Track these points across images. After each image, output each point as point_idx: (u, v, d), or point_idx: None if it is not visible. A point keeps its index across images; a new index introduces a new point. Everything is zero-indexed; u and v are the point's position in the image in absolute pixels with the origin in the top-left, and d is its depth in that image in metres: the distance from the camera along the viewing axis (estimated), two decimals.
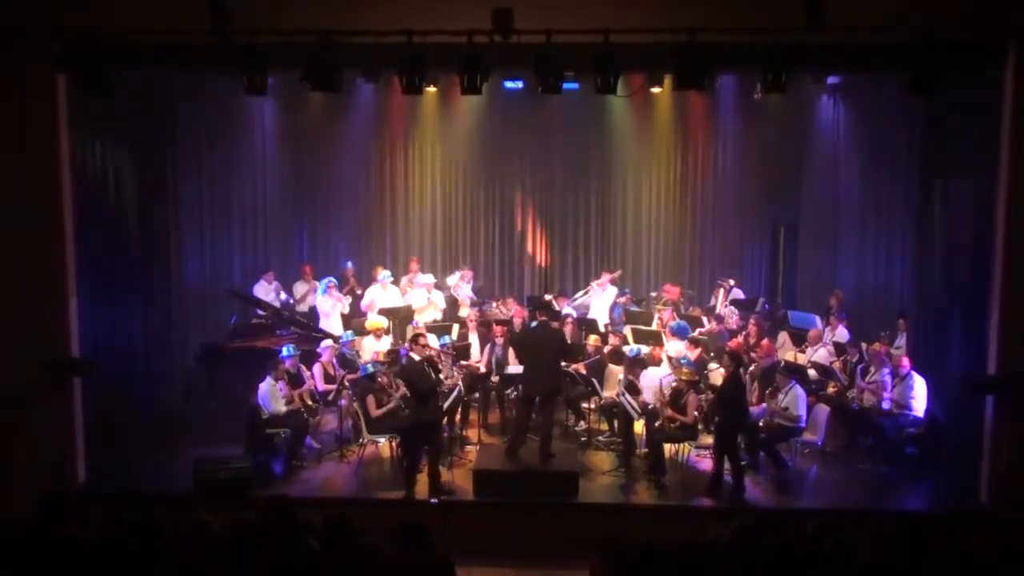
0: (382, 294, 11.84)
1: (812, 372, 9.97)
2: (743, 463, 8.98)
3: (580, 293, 12.52)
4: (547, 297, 12.15)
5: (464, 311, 11.92)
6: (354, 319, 11.68)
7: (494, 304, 12.59)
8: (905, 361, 9.14)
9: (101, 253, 9.32)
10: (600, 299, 12.12)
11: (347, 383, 9.70)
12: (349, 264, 12.63)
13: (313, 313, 11.96)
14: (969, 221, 8.84)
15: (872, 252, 12.00)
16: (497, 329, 10.39)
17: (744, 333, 10.85)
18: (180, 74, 9.92)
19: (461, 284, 12.40)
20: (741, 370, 8.87)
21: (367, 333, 10.70)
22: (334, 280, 11.85)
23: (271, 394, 8.98)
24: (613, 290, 12.27)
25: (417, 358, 8.52)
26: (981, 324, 8.37)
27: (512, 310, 12.13)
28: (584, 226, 14.07)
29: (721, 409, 8.60)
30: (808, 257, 13.25)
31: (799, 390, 8.83)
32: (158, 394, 10.35)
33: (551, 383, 8.98)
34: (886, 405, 9.18)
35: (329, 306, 11.65)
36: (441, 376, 8.86)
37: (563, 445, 9.45)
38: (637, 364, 9.68)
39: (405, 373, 8.67)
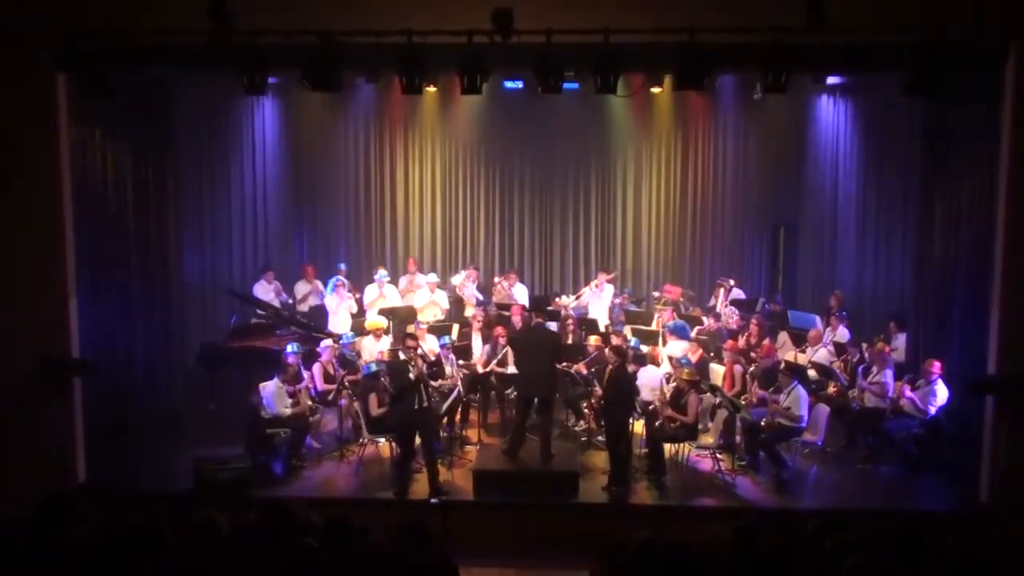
0: (379, 293, 11.84)
1: (812, 372, 9.97)
2: (745, 461, 9.04)
3: (572, 298, 12.42)
4: (558, 298, 12.18)
5: (469, 311, 11.91)
6: (354, 319, 11.68)
7: (496, 280, 12.57)
8: (936, 366, 8.97)
9: (101, 253, 9.32)
10: (598, 301, 12.10)
11: (347, 383, 9.70)
12: (342, 266, 12.64)
13: (314, 312, 11.96)
14: (969, 221, 8.84)
15: (872, 252, 12.00)
16: (497, 329, 10.39)
17: (746, 333, 10.86)
18: (180, 74, 9.91)
19: (467, 284, 12.39)
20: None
21: (367, 333, 10.71)
22: (342, 279, 11.87)
23: (277, 395, 8.98)
24: (610, 290, 12.25)
25: (402, 357, 8.56)
26: (981, 324, 8.37)
27: (514, 284, 12.11)
28: (584, 226, 14.07)
29: (610, 404, 8.61)
30: (808, 257, 13.25)
31: (801, 390, 8.82)
32: (158, 394, 10.34)
33: (547, 385, 8.98)
34: (906, 400, 9.12)
35: (335, 304, 11.68)
36: (412, 375, 8.63)
37: (563, 445, 9.45)
38: (637, 360, 9.71)
39: (387, 369, 8.73)
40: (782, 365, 9.44)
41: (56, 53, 7.72)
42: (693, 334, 10.70)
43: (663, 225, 14.05)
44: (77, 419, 8.54)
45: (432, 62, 7.67)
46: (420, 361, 8.68)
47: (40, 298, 8.22)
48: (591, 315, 11.70)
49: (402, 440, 8.53)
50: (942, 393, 8.92)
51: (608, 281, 12.24)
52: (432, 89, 11.32)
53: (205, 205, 12.02)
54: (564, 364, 9.73)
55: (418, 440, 8.53)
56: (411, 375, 8.47)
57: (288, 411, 9.02)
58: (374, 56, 8.13)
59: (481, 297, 12.36)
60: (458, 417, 9.77)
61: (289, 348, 9.57)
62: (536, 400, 9.00)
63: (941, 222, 9.47)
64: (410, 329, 11.07)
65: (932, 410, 8.92)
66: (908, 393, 9.05)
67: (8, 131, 8.06)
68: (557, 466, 8.70)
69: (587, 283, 12.79)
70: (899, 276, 11.45)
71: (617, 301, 12.24)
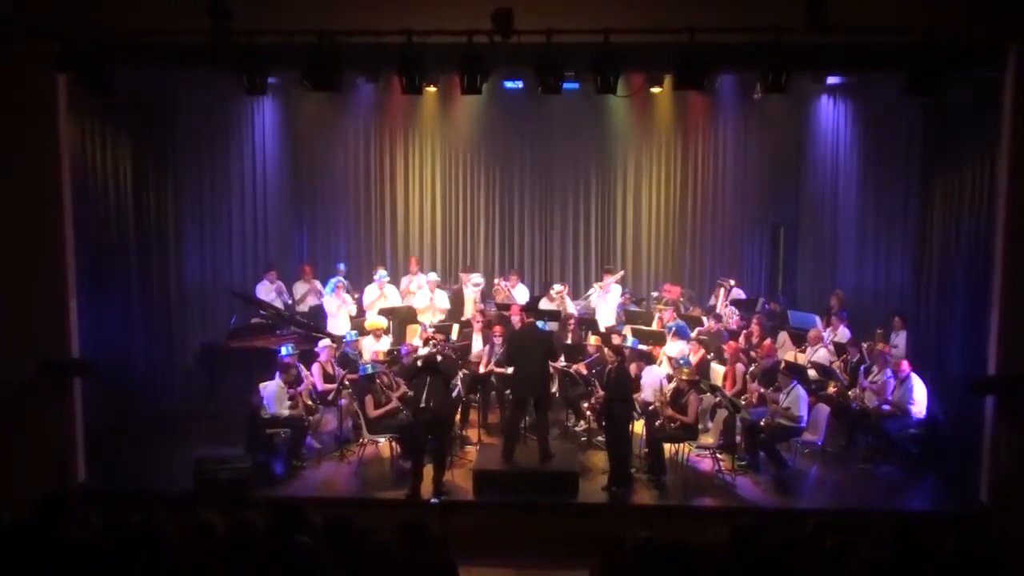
0: (379, 294, 11.83)
1: (812, 372, 9.97)
2: (745, 461, 9.04)
3: (582, 299, 12.40)
4: (551, 289, 12.18)
5: (468, 311, 11.87)
6: (353, 321, 11.67)
7: (496, 281, 12.56)
8: (905, 364, 9.08)
9: (101, 253, 9.32)
10: (605, 302, 12.07)
11: (347, 383, 9.70)
12: (341, 266, 12.65)
13: (313, 312, 11.95)
14: (969, 221, 8.84)
15: (872, 252, 12.00)
16: (495, 329, 10.39)
17: (746, 332, 10.86)
18: (180, 74, 9.91)
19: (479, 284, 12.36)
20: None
21: (367, 333, 10.71)
22: (343, 281, 11.86)
23: (278, 396, 8.99)
24: (617, 290, 12.25)
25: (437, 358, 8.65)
26: (981, 324, 8.37)
27: (515, 285, 12.13)
28: (584, 226, 14.08)
29: (610, 404, 8.63)
30: (808, 257, 13.26)
31: (801, 390, 8.83)
32: (158, 394, 10.35)
33: (539, 385, 8.96)
34: (886, 407, 9.14)
35: (335, 306, 11.67)
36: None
37: (563, 445, 9.45)
38: (642, 358, 9.71)
39: (405, 371, 8.72)
40: (782, 365, 9.45)
41: (56, 53, 7.72)
42: (693, 334, 10.71)
43: (663, 225, 14.06)
44: (77, 419, 8.54)
45: (432, 62, 7.67)
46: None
47: (40, 298, 8.21)
48: (599, 316, 11.69)
49: (427, 436, 8.48)
50: (918, 388, 8.99)
51: (615, 281, 12.24)
52: (432, 89, 11.32)
53: (205, 205, 12.02)
54: (564, 364, 9.73)
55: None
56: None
57: (287, 412, 9.02)
58: (374, 56, 8.14)
59: (479, 301, 12.33)
60: (458, 417, 9.76)
61: (283, 350, 9.54)
62: (531, 400, 8.98)
63: (941, 222, 9.47)
64: (413, 329, 11.11)
65: (912, 407, 8.98)
66: (865, 383, 9.21)
67: (8, 131, 8.06)
68: (557, 466, 8.70)
69: (587, 283, 12.79)
70: (899, 276, 11.45)
71: (620, 301, 12.23)
